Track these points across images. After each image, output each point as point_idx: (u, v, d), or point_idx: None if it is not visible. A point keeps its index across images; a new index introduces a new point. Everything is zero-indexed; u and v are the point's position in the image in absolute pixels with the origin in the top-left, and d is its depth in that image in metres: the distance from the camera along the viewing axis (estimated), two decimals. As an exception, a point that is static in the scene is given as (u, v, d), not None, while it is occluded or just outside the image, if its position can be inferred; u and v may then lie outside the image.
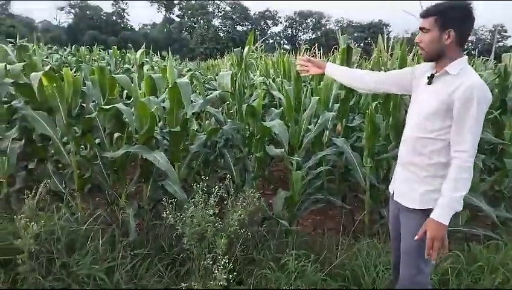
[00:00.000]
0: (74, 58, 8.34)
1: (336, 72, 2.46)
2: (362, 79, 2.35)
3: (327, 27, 72.43)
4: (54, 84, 2.98)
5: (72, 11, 66.32)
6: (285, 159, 3.36)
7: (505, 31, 59.35)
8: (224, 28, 68.71)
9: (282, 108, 4.27)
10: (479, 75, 4.50)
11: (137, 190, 3.64)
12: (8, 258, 2.49)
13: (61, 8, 66.35)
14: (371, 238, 3.30)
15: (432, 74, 1.95)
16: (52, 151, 3.44)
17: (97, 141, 3.47)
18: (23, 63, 3.44)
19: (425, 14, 1.90)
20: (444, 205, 1.81)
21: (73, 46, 10.43)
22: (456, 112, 1.79)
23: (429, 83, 1.95)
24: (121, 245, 2.71)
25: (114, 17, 68.94)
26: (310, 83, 5.81)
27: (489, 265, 2.82)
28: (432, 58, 1.94)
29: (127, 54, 8.56)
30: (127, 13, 70.88)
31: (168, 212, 2.53)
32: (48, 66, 3.27)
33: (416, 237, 1.88)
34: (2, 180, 3.24)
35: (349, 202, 4.16)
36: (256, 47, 8.52)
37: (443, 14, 1.84)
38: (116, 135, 3.25)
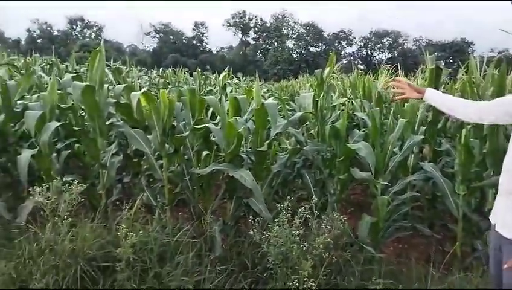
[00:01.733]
0: (162, 80, 8.97)
1: (437, 98, 2.32)
2: (465, 109, 2.19)
3: (404, 46, 70.05)
4: (151, 104, 3.22)
5: (157, 36, 71.65)
6: (370, 183, 3.27)
7: None
8: (297, 50, 69.49)
9: (364, 130, 4.19)
10: None
11: (220, 206, 3.76)
12: (107, 265, 2.69)
13: (147, 33, 71.99)
14: (464, 271, 3.06)
15: None
16: (146, 167, 3.72)
17: (185, 157, 3.67)
18: (123, 85, 3.77)
19: None
20: None
21: (161, 69, 11.21)
22: None
23: None
24: (207, 259, 2.80)
25: (194, 41, 73.14)
26: (389, 104, 5.63)
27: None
28: None
29: (210, 76, 9.00)
30: (206, 37, 74.90)
31: (254, 230, 2.57)
32: (145, 88, 3.56)
33: (505, 266, 1.75)
34: (101, 192, 3.54)
35: (436, 231, 3.92)
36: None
37: None
38: (204, 153, 3.40)
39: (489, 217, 2.14)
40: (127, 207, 2.93)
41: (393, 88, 2.50)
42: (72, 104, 3.93)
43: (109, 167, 3.53)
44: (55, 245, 2.66)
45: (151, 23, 71.84)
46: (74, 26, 70.33)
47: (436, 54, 4.25)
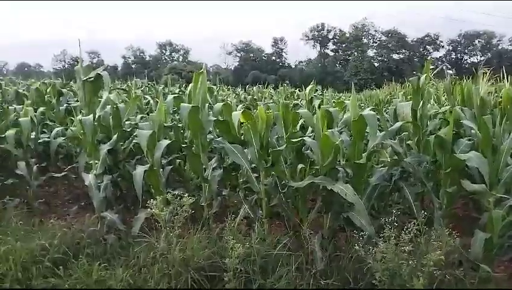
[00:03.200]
0: (249, 96, 9.28)
1: None
2: None
3: (499, 47, 64.06)
4: (249, 121, 3.35)
5: (238, 54, 74.43)
6: (483, 196, 3.02)
7: None
8: (379, 58, 67.19)
9: (469, 138, 3.90)
10: None
11: (316, 219, 3.74)
12: (214, 274, 2.82)
13: (229, 53, 75.15)
14: None
15: None
16: (242, 180, 3.85)
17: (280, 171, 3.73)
18: (221, 104, 3.98)
19: None
20: None
21: (247, 86, 11.60)
22: None
23: None
24: (308, 273, 2.79)
25: (273, 57, 74.60)
26: (492, 111, 5.17)
27: None
28: None
29: (293, 90, 9.09)
30: (285, 52, 75.97)
31: (359, 245, 2.52)
32: (241, 105, 3.72)
33: None
34: (204, 204, 3.73)
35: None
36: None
37: None
38: (300, 165, 3.43)
39: None
40: (230, 219, 3.05)
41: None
42: (174, 123, 4.24)
43: (210, 181, 3.72)
44: (167, 254, 2.86)
45: (232, 42, 75.03)
46: (163, 51, 76.02)
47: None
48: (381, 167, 3.73)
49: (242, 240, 2.89)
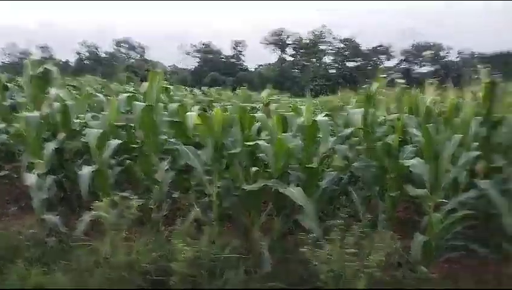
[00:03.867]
0: (206, 98, 9.21)
1: None
2: None
3: (447, 59, 67.94)
4: (205, 122, 3.33)
5: (198, 55, 73.79)
6: (424, 200, 3.18)
7: None
8: (335, 65, 69.09)
9: (414, 145, 4.10)
10: None
11: (266, 222, 3.78)
12: (161, 279, 2.77)
13: (188, 53, 74.30)
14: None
15: None
16: (195, 182, 3.82)
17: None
18: (177, 104, 3.92)
19: None
20: None
21: (203, 87, 11.52)
22: None
23: None
24: (256, 276, 2.81)
25: (233, 59, 74.62)
26: (436, 120, 5.47)
27: None
28: None
29: (251, 94, 9.15)
30: (244, 55, 76.22)
31: (307, 247, 2.57)
32: (197, 106, 3.69)
33: None
34: (153, 206, 3.65)
35: (493, 251, 3.72)
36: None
37: None
38: (253, 169, 3.45)
39: None
40: (179, 222, 3.01)
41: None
42: (127, 122, 4.12)
43: (161, 182, 3.65)
44: (111, 258, 2.77)
45: (191, 43, 74.25)
46: (120, 48, 73.80)
47: (479, 66, 4.13)
48: (332, 171, 3.83)
49: (191, 243, 2.85)
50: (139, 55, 72.47)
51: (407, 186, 3.22)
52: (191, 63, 74.42)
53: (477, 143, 3.90)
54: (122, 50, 74.00)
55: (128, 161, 4.36)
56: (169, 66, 68.56)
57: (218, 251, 3.05)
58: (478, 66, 4.17)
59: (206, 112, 4.61)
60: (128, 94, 4.34)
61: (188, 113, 3.25)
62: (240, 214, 3.52)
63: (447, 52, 68.41)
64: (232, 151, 3.39)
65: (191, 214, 3.08)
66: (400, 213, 5.41)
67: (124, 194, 3.02)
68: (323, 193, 3.71)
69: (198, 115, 3.27)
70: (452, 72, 47.76)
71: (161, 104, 3.67)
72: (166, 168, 3.68)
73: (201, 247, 2.92)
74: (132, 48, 74.42)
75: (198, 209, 3.49)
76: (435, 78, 7.41)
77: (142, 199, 3.08)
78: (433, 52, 66.39)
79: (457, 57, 66.60)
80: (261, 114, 3.65)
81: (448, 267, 3.99)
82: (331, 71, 67.51)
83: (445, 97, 6.40)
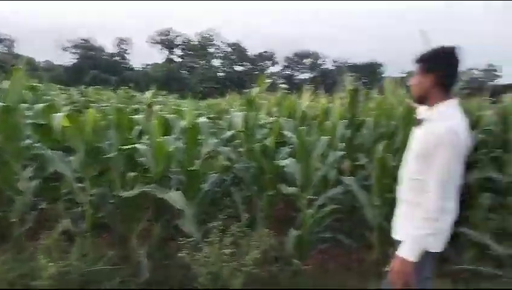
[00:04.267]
0: (83, 98, 8.53)
1: None
2: None
3: (324, 67, 74.18)
4: (74, 125, 3.07)
5: (76, 51, 67.98)
6: (297, 198, 3.40)
7: (495, 70, 60.78)
8: (223, 68, 70.24)
9: (290, 147, 4.37)
10: (480, 115, 4.61)
11: (146, 229, 3.65)
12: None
13: (66, 48, 68.02)
14: (382, 278, 3.28)
15: (419, 119, 2.03)
16: (65, 191, 3.50)
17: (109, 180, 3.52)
18: (43, 104, 3.54)
19: (415, 60, 2.01)
20: (408, 241, 1.86)
21: (83, 86, 10.66)
22: (429, 155, 1.85)
23: (418, 126, 2.03)
24: (134, 285, 2.69)
25: (116, 58, 70.61)
26: (311, 123, 5.93)
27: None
28: (418, 100, 2.02)
29: (134, 94, 8.75)
30: (128, 53, 72.71)
31: (186, 252, 2.54)
32: (68, 108, 3.39)
33: (386, 268, 1.92)
34: (14, 219, 3.25)
35: (356, 240, 4.16)
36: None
37: (427, 59, 1.96)
38: (131, 174, 3.30)
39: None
40: (45, 235, 2.73)
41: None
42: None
43: (24, 192, 3.27)
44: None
45: (69, 38, 68.11)
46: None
47: (352, 75, 4.60)
48: (214, 173, 3.87)
49: (59, 258, 2.61)
50: (6, 49, 64.02)
51: (281, 185, 3.41)
52: (69, 59, 68.31)
53: (343, 144, 4.33)
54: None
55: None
56: (43, 61, 61.97)
57: (90, 264, 2.85)
58: (346, 74, 4.62)
59: (81, 113, 4.28)
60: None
61: (53, 115, 2.95)
62: (117, 223, 3.33)
63: (324, 61, 74.70)
64: (106, 156, 3.19)
65: (59, 226, 2.81)
66: (279, 211, 5.73)
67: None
68: (205, 196, 3.72)
69: (67, 116, 3.00)
70: (328, 79, 52.35)
71: (24, 105, 3.27)
72: (30, 176, 3.31)
73: (71, 261, 2.70)
74: (-2, 39, 65.39)
75: (68, 220, 3.22)
76: (311, 84, 8.05)
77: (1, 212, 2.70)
78: (311, 60, 71.88)
79: (332, 66, 73.07)
80: (140, 116, 3.51)
81: (320, 258, 4.35)
82: (220, 74, 68.46)
83: (319, 102, 6.99)
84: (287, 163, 3.32)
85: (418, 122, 2.02)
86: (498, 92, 5.39)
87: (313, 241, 3.58)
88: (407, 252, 1.85)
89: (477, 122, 4.59)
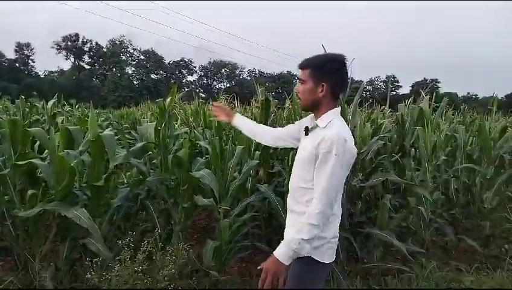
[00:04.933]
0: (-27, 108, 7.61)
1: (243, 124, 2.52)
2: (265, 134, 2.42)
3: (241, 77, 75.57)
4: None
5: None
6: (213, 209, 3.38)
7: (397, 81, 67.30)
8: (138, 76, 67.95)
9: (206, 157, 4.34)
10: (380, 123, 5.03)
11: (52, 250, 3.36)
12: None
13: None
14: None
15: (307, 127, 2.02)
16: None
17: (5, 198, 3.19)
18: None
19: (302, 66, 1.97)
20: (284, 244, 1.84)
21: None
22: (317, 162, 1.85)
23: (306, 134, 2.02)
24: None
25: (17, 64, 64.56)
26: (229, 131, 5.98)
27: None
28: (307, 108, 2.03)
29: (36, 104, 8.03)
30: (31, 60, 67.01)
31: (93, 272, 2.38)
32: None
33: (259, 267, 1.88)
34: None
35: (274, 247, 4.25)
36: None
37: (318, 67, 1.92)
38: (29, 191, 3.01)
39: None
40: None
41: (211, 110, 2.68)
42: None
43: None
44: None
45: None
46: None
47: (267, 84, 4.74)
48: (125, 187, 3.70)
49: None
50: None
51: (197, 197, 3.37)
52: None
53: (258, 152, 4.41)
54: None
55: None
56: None
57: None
58: (258, 85, 4.73)
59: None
60: None
61: None
62: (16, 245, 3.01)
63: (241, 71, 76.20)
64: (1, 173, 2.88)
65: None
66: (201, 221, 5.66)
67: None
68: (116, 211, 3.54)
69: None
70: (244, 89, 53.39)
71: None
72: None
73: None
74: None
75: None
76: (228, 94, 8.13)
77: None
78: (228, 70, 72.78)
79: (248, 76, 74.78)
80: (36, 128, 3.22)
81: (240, 266, 4.37)
82: (134, 82, 66.15)
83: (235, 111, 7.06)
84: (202, 174, 3.28)
85: (305, 130, 2.01)
86: (397, 101, 5.93)
87: (232, 251, 3.58)
88: (281, 254, 1.81)
89: (378, 130, 5.01)
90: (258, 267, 1.88)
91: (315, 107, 1.98)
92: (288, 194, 2.10)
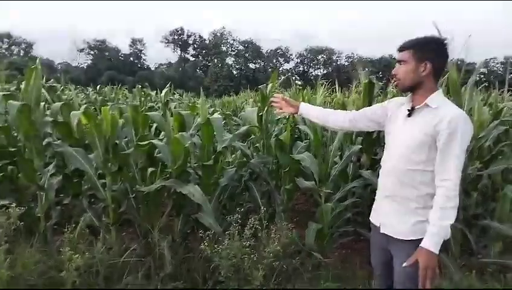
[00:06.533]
0: (100, 97, 8.67)
1: (310, 112, 2.42)
2: (337, 119, 2.35)
3: (338, 63, 73.67)
4: (92, 122, 3.13)
5: (91, 52, 69.07)
6: (314, 192, 3.40)
7: (516, 63, 59.42)
8: (237, 66, 70.43)
9: (306, 141, 4.36)
10: (501, 107, 4.53)
11: (167, 223, 3.70)
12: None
13: (81, 50, 69.19)
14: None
15: (412, 107, 1.97)
16: (86, 187, 3.58)
17: (129, 175, 3.58)
18: (60, 103, 3.62)
19: (403, 48, 1.96)
20: (433, 234, 1.80)
21: (98, 86, 10.83)
22: (441, 143, 1.82)
23: (409, 116, 1.97)
24: (158, 278, 2.74)
25: (131, 58, 71.49)
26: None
27: None
28: (407, 89, 1.98)
29: (150, 93, 8.85)
30: (143, 54, 73.61)
31: (205, 244, 2.57)
32: (83, 106, 3.45)
33: (405, 264, 1.85)
34: (40, 215, 3.34)
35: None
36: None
37: (420, 47, 1.91)
38: (150, 169, 3.35)
39: (371, 219, 2.22)
40: (69, 229, 2.80)
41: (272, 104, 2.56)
42: (5, 124, 3.70)
43: (47, 189, 3.35)
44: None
45: (85, 39, 69.26)
46: (1, 43, 65.72)
47: (366, 69, 4.56)
48: (231, 168, 3.90)
49: (84, 251, 2.67)
50: (23, 52, 65.39)
51: (299, 179, 3.42)
52: (85, 61, 69.44)
53: (361, 138, 4.30)
54: (3, 45, 66.02)
55: (10, 167, 3.92)
56: (59, 63, 63.13)
57: (115, 257, 2.91)
58: (360, 68, 4.58)
59: (96, 111, 4.34)
60: (4, 93, 3.88)
61: (72, 113, 3.01)
62: (138, 217, 3.39)
63: (338, 56, 74.18)
64: (124, 152, 3.24)
65: (82, 221, 2.87)
66: (299, 205, 5.74)
67: (4, 202, 2.70)
68: (223, 190, 3.76)
69: (84, 113, 3.06)
70: (342, 75, 51.96)
71: (42, 104, 3.35)
72: (52, 173, 3.39)
73: (96, 254, 2.76)
74: (15, 43, 66.86)
75: (91, 215, 3.29)
76: (324, 79, 8.01)
77: (24, 207, 2.77)
78: (325, 56, 71.35)
79: (345, 61, 72.49)
80: (155, 113, 3.55)
81: (341, 251, 4.34)
82: (234, 72, 68.69)
83: (335, 97, 6.94)
84: (304, 157, 3.31)
85: (410, 111, 1.96)
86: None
87: (333, 235, 3.58)
88: (433, 245, 1.78)
89: (498, 114, 4.51)
90: (403, 265, 1.87)
91: (417, 87, 1.95)
92: (388, 179, 2.05)
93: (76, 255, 2.38)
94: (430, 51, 1.91)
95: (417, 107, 1.94)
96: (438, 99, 1.90)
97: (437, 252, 1.79)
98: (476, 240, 3.47)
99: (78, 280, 2.42)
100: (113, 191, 3.35)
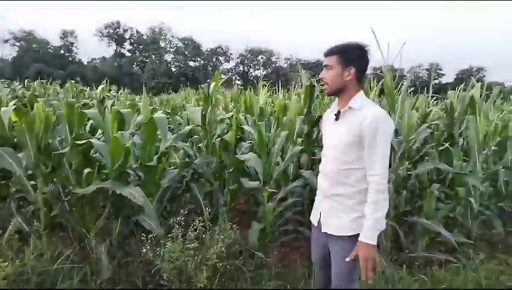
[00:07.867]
0: (28, 92, 8.05)
1: (376, 224, 2.00)
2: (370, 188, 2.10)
3: (277, 64, 75.06)
4: (23, 120, 2.90)
5: (17, 43, 63.93)
6: (258, 192, 3.45)
7: (440, 69, 64.65)
8: (176, 63, 69.05)
9: (249, 142, 4.40)
10: (429, 110, 4.88)
11: (104, 227, 3.54)
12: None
13: (6, 41, 63.78)
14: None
15: (338, 111, 2.10)
16: (15, 189, 3.31)
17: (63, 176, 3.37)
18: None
19: (329, 53, 2.07)
20: (369, 227, 1.92)
21: (26, 80, 10.06)
22: (366, 141, 1.95)
23: (337, 119, 2.10)
24: (95, 285, 2.61)
25: (62, 51, 67.25)
26: (269, 118, 6.01)
27: (452, 287, 3.02)
28: (334, 92, 2.09)
29: (83, 89, 8.39)
30: (75, 47, 69.55)
31: (147, 247, 2.50)
32: (13, 101, 3.20)
33: (348, 259, 1.99)
34: (-41, 220, 3.04)
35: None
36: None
37: (345, 53, 2.03)
38: (86, 170, 3.18)
39: (311, 218, 2.33)
40: (-4, 236, 2.58)
41: None
42: None
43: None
44: None
45: (9, 29, 63.91)
46: None
47: (304, 72, 4.70)
48: (173, 169, 3.82)
49: (13, 258, 2.47)
50: None
51: (243, 179, 3.44)
52: (9, 52, 64.14)
53: (301, 139, 4.42)
54: None
55: None
56: (-22, 54, 57.80)
57: (47, 263, 2.73)
58: (302, 71, 4.71)
59: (26, 108, 4.03)
60: None
61: (2, 109, 2.77)
62: (72, 221, 3.20)
63: (277, 58, 75.59)
64: (58, 152, 3.05)
65: (11, 226, 2.65)
66: (241, 205, 5.77)
67: None
68: (165, 191, 3.67)
69: (15, 110, 2.83)
70: (281, 76, 53.06)
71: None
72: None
73: (27, 261, 2.57)
74: None
75: (20, 219, 3.06)
76: (265, 80, 8.13)
77: None
78: (265, 57, 72.37)
79: (285, 63, 74.14)
80: (92, 110, 3.38)
81: (282, 250, 4.44)
82: (173, 69, 67.26)
83: (275, 98, 7.07)
84: (248, 157, 3.34)
85: (337, 115, 2.09)
86: (441, 89, 5.72)
87: (275, 234, 3.64)
88: (370, 236, 1.91)
89: (425, 118, 4.88)
90: (346, 260, 1.99)
91: (342, 92, 2.07)
92: (324, 179, 2.16)
93: (5, 263, 2.19)
94: (353, 56, 2.03)
95: (343, 110, 2.07)
96: (360, 100, 2.04)
97: (375, 243, 1.92)
98: (405, 235, 3.73)
99: (6, 288, 2.24)
100: (44, 194, 3.14)
